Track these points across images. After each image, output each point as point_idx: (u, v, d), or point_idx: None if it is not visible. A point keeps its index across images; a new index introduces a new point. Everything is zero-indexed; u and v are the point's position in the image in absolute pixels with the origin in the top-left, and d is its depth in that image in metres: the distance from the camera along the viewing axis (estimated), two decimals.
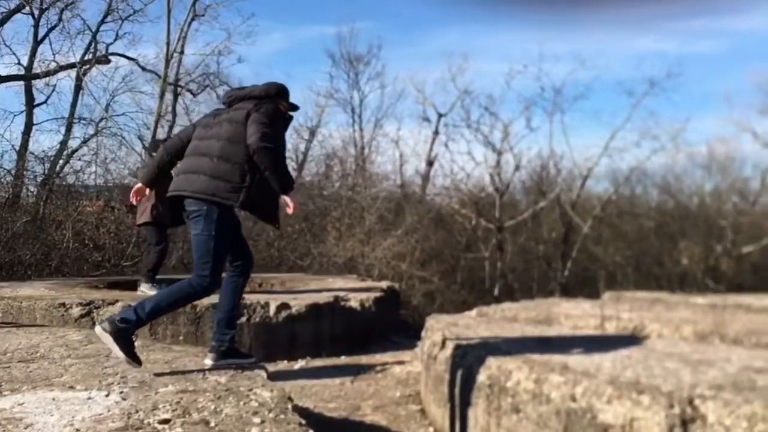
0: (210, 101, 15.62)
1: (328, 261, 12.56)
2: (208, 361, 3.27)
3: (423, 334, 4.89)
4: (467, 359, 3.74)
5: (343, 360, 6.16)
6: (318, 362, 6.08)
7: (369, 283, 8.59)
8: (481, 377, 3.50)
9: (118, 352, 2.98)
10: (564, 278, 14.46)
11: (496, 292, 13.63)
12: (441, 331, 4.42)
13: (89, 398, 2.66)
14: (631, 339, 4.06)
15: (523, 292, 12.90)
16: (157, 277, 6.81)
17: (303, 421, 2.37)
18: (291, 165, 16.65)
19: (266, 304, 6.17)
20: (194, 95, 15.49)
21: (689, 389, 2.65)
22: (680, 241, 15.55)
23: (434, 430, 4.10)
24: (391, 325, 7.64)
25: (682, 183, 17.90)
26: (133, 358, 3.02)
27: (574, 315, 4.82)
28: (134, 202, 3.71)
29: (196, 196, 3.14)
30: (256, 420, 2.37)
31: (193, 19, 14.55)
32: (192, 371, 3.15)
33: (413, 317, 10.26)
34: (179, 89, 15.04)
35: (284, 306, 6.26)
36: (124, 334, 2.98)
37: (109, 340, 2.97)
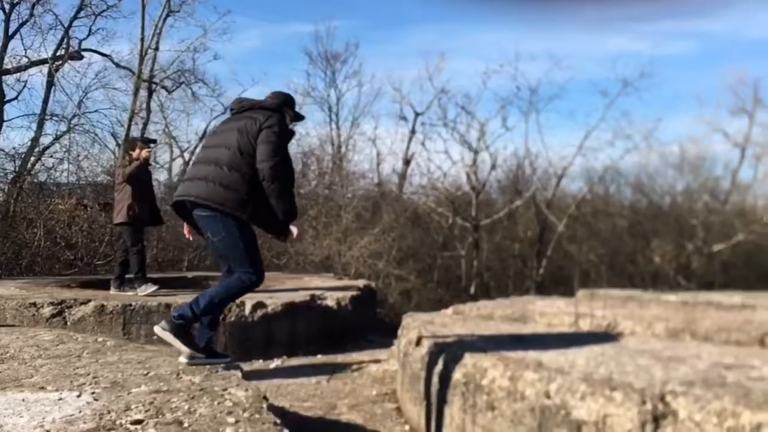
0: (185, 98, 15.50)
1: (304, 260, 12.52)
2: (183, 359, 3.25)
3: (399, 332, 4.90)
4: (443, 357, 3.75)
5: (320, 359, 6.14)
6: (294, 361, 6.06)
7: (346, 282, 8.58)
8: (457, 375, 3.52)
9: (181, 347, 3.16)
10: (539, 276, 14.59)
11: (472, 290, 13.70)
12: (417, 329, 4.43)
13: (60, 399, 2.61)
14: (604, 336, 4.11)
15: (499, 290, 13.00)
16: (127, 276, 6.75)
17: (278, 421, 2.36)
18: None
19: (242, 303, 6.13)
20: (169, 92, 15.32)
21: (661, 385, 2.68)
22: (653, 239, 15.78)
23: (410, 428, 4.11)
24: (367, 324, 7.64)
25: (655, 182, 18.17)
26: (196, 349, 3.20)
27: (549, 313, 4.87)
28: (189, 238, 3.81)
29: (206, 203, 3.18)
30: (231, 420, 2.35)
31: (168, 15, 14.38)
32: (166, 371, 3.12)
33: (390, 316, 10.27)
34: (154, 86, 14.86)
35: (260, 305, 6.22)
36: (182, 329, 3.17)
37: (170, 338, 3.15)
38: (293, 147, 16.80)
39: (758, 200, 18.85)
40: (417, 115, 16.86)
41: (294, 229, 3.40)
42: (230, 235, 3.21)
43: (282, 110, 3.41)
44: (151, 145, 6.92)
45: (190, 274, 8.79)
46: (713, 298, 5.52)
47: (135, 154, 6.59)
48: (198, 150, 3.38)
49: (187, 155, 16.16)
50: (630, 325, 4.38)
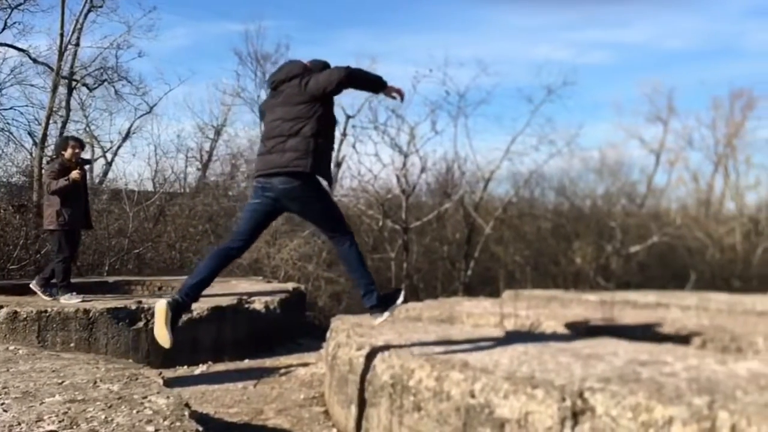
0: (108, 97, 14.94)
1: (232, 263, 12.25)
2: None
3: (328, 335, 4.87)
4: (371, 359, 3.76)
5: (247, 363, 6.04)
6: (220, 366, 5.93)
7: (274, 285, 8.48)
8: (385, 377, 3.53)
9: (399, 303, 3.64)
10: (467, 278, 14.84)
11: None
12: (346, 331, 4.42)
13: None
14: (528, 335, 4.22)
15: (427, 292, 13.14)
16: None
17: (200, 428, 2.30)
18: (195, 165, 16.20)
19: None
20: (90, 90, 14.73)
21: (580, 382, 2.77)
22: (574, 241, 16.33)
23: (338, 431, 4.10)
24: (296, 327, 7.57)
25: (577, 186, 18.84)
26: (399, 292, 3.72)
27: (476, 313, 4.96)
28: None
29: (278, 171, 3.32)
30: (150, 428, 2.27)
31: (90, 10, 13.81)
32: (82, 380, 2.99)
33: (319, 318, 10.21)
34: (74, 83, 14.25)
35: None
36: (384, 299, 3.57)
37: (389, 312, 3.59)
38: (221, 148, 16.51)
39: (672, 204, 19.91)
40: (348, 117, 16.85)
41: (393, 89, 3.56)
42: (319, 206, 3.47)
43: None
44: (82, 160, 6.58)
45: (111, 279, 8.47)
46: (629, 297, 5.77)
47: (67, 154, 6.29)
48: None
49: (109, 155, 15.59)
50: (552, 324, 4.53)
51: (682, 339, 3.93)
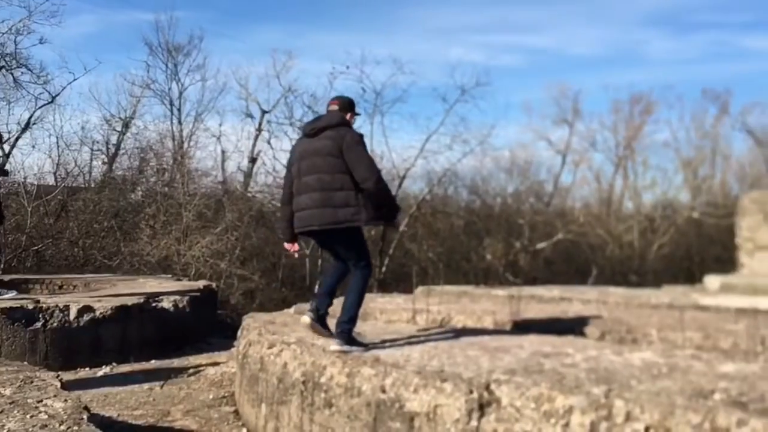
0: (6, 85, 13.97)
1: (140, 260, 11.84)
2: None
3: (239, 333, 4.79)
4: (282, 357, 3.72)
5: (154, 364, 5.84)
6: (125, 368, 5.71)
7: (184, 283, 8.25)
8: (296, 374, 3.50)
9: (358, 349, 3.50)
10: (381, 274, 14.96)
11: (316, 289, 13.73)
12: (257, 329, 4.35)
13: None
14: (439, 330, 4.29)
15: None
16: None
17: None
18: (101, 158, 15.48)
19: (66, 308, 5.67)
20: None
21: (487, 375, 2.85)
22: (485, 238, 16.80)
23: (247, 431, 4.03)
24: (207, 326, 7.39)
25: (488, 185, 19.39)
26: (363, 346, 3.57)
27: (389, 309, 5.00)
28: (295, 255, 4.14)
29: (329, 228, 3.58)
30: None
31: None
32: None
33: (232, 317, 10.01)
34: None
35: (87, 308, 5.79)
36: (351, 339, 3.57)
37: (348, 348, 3.49)
38: (129, 141, 15.88)
39: (576, 202, 20.84)
40: (264, 113, 16.60)
41: (400, 219, 4.00)
42: (354, 244, 3.72)
43: (346, 119, 3.82)
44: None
45: (6, 277, 7.97)
46: (536, 292, 5.99)
47: None
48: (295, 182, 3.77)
49: (6, 147, 14.63)
50: (462, 318, 4.63)
51: (583, 331, 4.11)
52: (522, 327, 4.30)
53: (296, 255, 4.17)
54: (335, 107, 3.86)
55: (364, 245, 3.83)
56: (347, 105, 3.91)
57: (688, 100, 30.22)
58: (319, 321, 3.73)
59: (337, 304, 3.80)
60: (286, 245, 4.00)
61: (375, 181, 3.60)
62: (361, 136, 3.76)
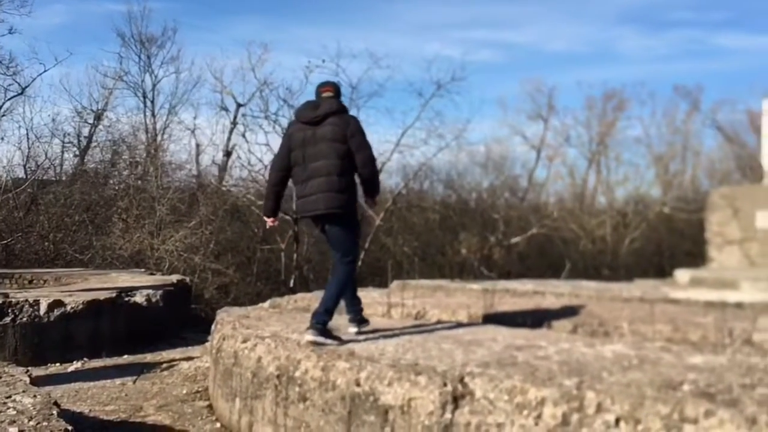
0: None
1: (112, 254, 11.67)
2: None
3: (213, 327, 4.75)
4: (256, 351, 3.71)
5: (126, 359, 5.78)
6: (97, 363, 5.64)
7: (158, 278, 8.16)
8: (270, 368, 3.49)
9: (332, 342, 3.53)
10: (357, 268, 14.93)
11: (291, 283, 13.67)
12: (232, 324, 4.33)
13: None
14: (413, 324, 4.31)
15: (318, 283, 13.09)
16: None
17: (69, 428, 2.17)
18: (72, 151, 15.21)
19: (36, 302, 5.58)
20: None
21: (461, 368, 2.87)
22: (460, 232, 16.87)
23: (221, 426, 4.01)
24: (181, 321, 7.33)
25: (464, 179, 19.47)
26: (337, 339, 3.60)
27: (364, 303, 4.99)
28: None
29: (333, 212, 3.72)
30: (13, 430, 2.12)
31: None
32: None
33: (206, 311, 9.94)
34: None
35: (58, 303, 5.70)
36: (326, 330, 3.59)
37: (322, 339, 3.52)
38: (101, 134, 15.63)
39: (550, 197, 21.04)
40: (239, 106, 16.41)
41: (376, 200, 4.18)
42: (348, 233, 3.83)
43: (346, 108, 3.94)
44: None
45: None
46: (510, 286, 6.04)
47: None
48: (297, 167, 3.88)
49: None
50: (437, 312, 4.65)
51: (556, 325, 4.15)
52: (496, 320, 4.33)
53: (276, 224, 4.28)
54: (330, 93, 3.94)
55: (356, 240, 3.97)
56: (339, 90, 4.05)
57: (660, 97, 30.64)
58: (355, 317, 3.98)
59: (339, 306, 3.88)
60: (267, 219, 4.13)
61: (372, 166, 3.88)
62: (358, 122, 3.93)
